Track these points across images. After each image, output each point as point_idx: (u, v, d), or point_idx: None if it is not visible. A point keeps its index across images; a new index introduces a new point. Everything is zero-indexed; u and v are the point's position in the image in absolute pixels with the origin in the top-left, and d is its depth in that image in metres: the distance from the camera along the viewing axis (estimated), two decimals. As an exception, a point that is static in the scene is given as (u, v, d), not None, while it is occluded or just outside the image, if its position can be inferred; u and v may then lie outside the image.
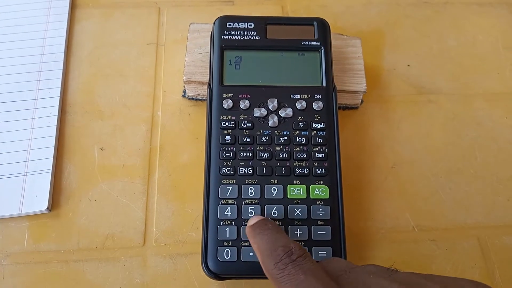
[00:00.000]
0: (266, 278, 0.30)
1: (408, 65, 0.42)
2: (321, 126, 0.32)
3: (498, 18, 0.45)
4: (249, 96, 0.33)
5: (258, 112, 0.33)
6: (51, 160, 0.35)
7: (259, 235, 0.26)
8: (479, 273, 0.33)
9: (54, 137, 0.36)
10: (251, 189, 0.31)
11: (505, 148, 0.38)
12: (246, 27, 0.35)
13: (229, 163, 0.31)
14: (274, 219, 0.30)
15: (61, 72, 0.39)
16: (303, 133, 0.32)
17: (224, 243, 0.30)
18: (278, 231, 0.26)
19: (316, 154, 0.32)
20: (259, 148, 0.32)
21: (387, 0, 0.46)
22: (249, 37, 0.35)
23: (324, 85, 0.34)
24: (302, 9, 0.45)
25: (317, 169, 0.31)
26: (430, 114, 0.40)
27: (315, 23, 0.35)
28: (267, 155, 0.32)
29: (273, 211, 0.30)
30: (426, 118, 0.39)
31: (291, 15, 0.45)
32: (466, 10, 0.46)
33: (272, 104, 0.33)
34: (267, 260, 0.25)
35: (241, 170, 0.31)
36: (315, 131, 0.32)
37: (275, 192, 0.31)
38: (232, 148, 0.32)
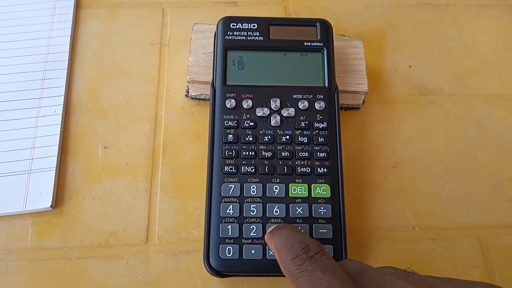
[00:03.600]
0: (268, 276, 0.31)
1: (410, 66, 0.42)
2: (323, 125, 0.33)
3: (499, 20, 0.46)
4: (252, 95, 0.33)
5: (260, 112, 0.33)
6: (55, 158, 0.36)
7: (276, 234, 0.26)
8: (479, 272, 0.33)
9: (59, 135, 0.37)
10: (253, 187, 0.31)
11: (506, 149, 0.38)
12: (249, 27, 0.35)
13: (232, 161, 0.32)
14: (276, 217, 0.30)
15: (65, 71, 0.40)
16: (305, 132, 0.33)
17: (226, 240, 0.30)
18: (294, 229, 0.26)
19: (318, 153, 0.32)
20: (261, 147, 0.32)
21: (389, 2, 0.47)
22: (252, 37, 0.35)
23: (326, 85, 0.34)
24: (305, 10, 0.45)
25: (318, 168, 0.32)
26: (431, 115, 0.40)
27: (317, 24, 0.36)
28: (269, 154, 0.32)
29: (275, 209, 0.30)
30: (427, 119, 0.40)
31: (293, 16, 0.45)
32: (467, 11, 0.46)
33: (275, 103, 0.33)
34: (284, 255, 0.24)
35: (244, 169, 0.31)
36: (317, 131, 0.33)
37: (277, 190, 0.31)
38: (234, 147, 0.32)
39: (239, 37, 0.35)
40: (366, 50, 0.39)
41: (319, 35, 0.36)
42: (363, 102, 0.39)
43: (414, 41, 0.44)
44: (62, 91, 0.39)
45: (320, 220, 0.30)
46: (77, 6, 0.44)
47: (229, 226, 0.30)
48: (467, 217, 0.35)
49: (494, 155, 0.38)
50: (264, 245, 0.30)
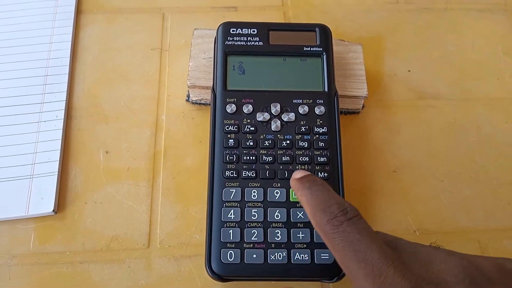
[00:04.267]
0: (269, 280, 0.31)
1: (409, 71, 0.43)
2: (323, 130, 0.33)
3: (498, 24, 0.46)
4: (252, 100, 0.34)
5: (261, 117, 0.33)
6: (57, 163, 0.36)
7: (309, 189, 0.26)
8: (479, 275, 0.33)
9: (60, 140, 0.37)
10: (254, 192, 0.31)
11: (505, 153, 0.39)
12: (249, 33, 0.36)
13: (233, 166, 0.32)
14: (276, 222, 0.30)
15: (66, 76, 0.40)
16: (305, 137, 0.33)
17: (228, 245, 0.30)
18: (329, 188, 0.26)
19: (318, 158, 0.32)
20: (262, 151, 0.32)
21: (388, 6, 0.47)
22: (252, 42, 0.35)
23: (326, 90, 0.34)
24: (304, 15, 0.46)
25: (319, 173, 0.32)
26: (430, 119, 0.40)
27: (317, 29, 0.36)
28: (270, 158, 0.32)
29: (276, 214, 0.31)
30: (426, 123, 0.40)
31: (292, 21, 0.45)
32: (466, 16, 0.47)
33: (275, 108, 0.33)
34: (320, 215, 0.24)
35: (245, 173, 0.32)
36: (317, 135, 0.33)
37: (278, 195, 0.31)
38: (235, 151, 0.32)
39: (239, 42, 0.35)
40: (365, 55, 0.39)
41: (318, 40, 0.36)
42: (363, 106, 0.39)
43: (413, 45, 0.44)
44: (63, 96, 0.39)
45: None
46: (78, 12, 0.45)
47: (231, 231, 0.30)
48: (467, 221, 0.36)
49: (494, 159, 0.38)
50: (266, 250, 0.30)
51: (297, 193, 0.27)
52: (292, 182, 0.28)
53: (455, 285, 0.21)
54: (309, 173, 0.28)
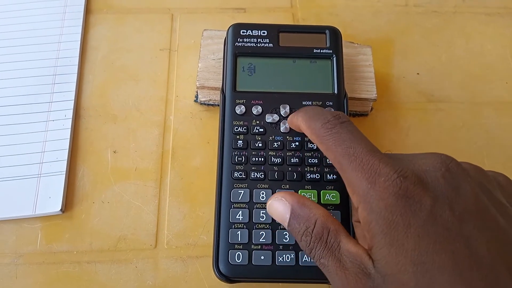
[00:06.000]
0: (277, 282, 0.31)
1: (418, 73, 0.42)
2: (332, 132, 0.33)
3: (507, 28, 0.46)
4: (261, 102, 0.34)
5: (270, 118, 0.33)
6: (65, 162, 0.36)
7: (303, 110, 0.28)
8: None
9: (68, 139, 0.37)
10: (262, 193, 0.31)
11: (514, 157, 0.39)
12: (259, 34, 0.35)
13: (241, 167, 0.32)
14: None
15: (75, 76, 0.40)
16: (314, 139, 0.33)
17: (236, 246, 0.30)
18: (322, 107, 0.29)
19: (327, 160, 0.32)
20: (271, 153, 0.32)
21: (396, 9, 0.47)
22: (262, 44, 0.35)
23: (336, 92, 0.34)
24: (313, 17, 0.46)
25: (328, 175, 0.32)
26: (439, 122, 0.40)
27: (327, 31, 0.36)
28: (278, 160, 0.32)
29: (284, 215, 0.31)
30: (435, 126, 0.40)
31: (301, 23, 0.45)
32: (475, 19, 0.47)
33: (284, 110, 0.33)
34: (313, 122, 0.26)
35: (253, 175, 0.31)
36: (326, 137, 0.33)
37: (287, 197, 0.31)
38: (244, 152, 0.32)
39: (249, 44, 0.35)
40: (374, 57, 0.39)
41: (328, 42, 0.36)
42: (372, 109, 0.39)
43: (422, 48, 0.44)
44: (72, 95, 0.39)
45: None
46: (87, 11, 0.45)
47: (239, 232, 0.30)
48: (475, 225, 0.35)
49: (502, 162, 0.38)
50: (274, 251, 0.30)
51: (293, 120, 0.30)
52: (288, 120, 0.31)
53: (431, 172, 0.23)
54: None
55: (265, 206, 0.31)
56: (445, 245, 0.21)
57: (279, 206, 0.26)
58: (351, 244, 0.24)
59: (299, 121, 0.28)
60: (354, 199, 0.24)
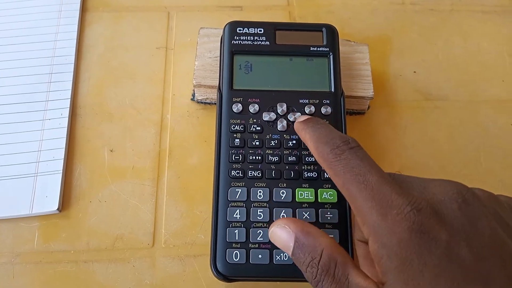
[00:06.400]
0: (275, 281, 0.31)
1: (414, 72, 0.42)
2: (329, 130, 0.33)
3: (503, 26, 0.46)
4: (258, 100, 0.33)
5: (267, 116, 0.33)
6: (62, 161, 0.36)
7: (312, 127, 0.27)
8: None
9: (65, 138, 0.37)
10: (260, 192, 0.31)
11: (510, 155, 0.39)
12: (256, 32, 0.35)
13: (239, 166, 0.32)
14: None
15: (71, 74, 0.40)
16: (311, 137, 0.33)
17: (233, 245, 0.30)
18: (331, 126, 0.28)
19: (325, 158, 0.32)
20: (268, 151, 0.32)
21: (393, 7, 0.47)
22: (259, 42, 0.35)
23: (333, 90, 0.34)
24: (310, 15, 0.46)
25: (325, 173, 0.32)
26: (436, 120, 0.40)
27: (324, 29, 0.36)
28: (276, 158, 0.32)
29: (282, 214, 0.30)
30: (432, 124, 0.40)
31: (298, 21, 0.45)
32: (472, 17, 0.47)
33: (281, 108, 0.33)
34: (322, 146, 0.26)
35: (250, 173, 0.31)
36: (323, 136, 0.33)
37: (284, 195, 0.31)
38: (241, 151, 0.32)
39: (245, 42, 0.35)
40: (371, 55, 0.39)
41: (325, 40, 0.36)
42: (368, 107, 0.39)
43: (419, 46, 0.44)
44: (68, 94, 0.39)
45: (326, 225, 0.30)
46: (83, 9, 0.44)
47: (236, 231, 0.30)
48: (472, 222, 0.35)
49: (499, 161, 0.38)
50: (271, 250, 0.30)
51: (301, 132, 0.29)
52: (296, 125, 0.30)
53: (448, 204, 0.22)
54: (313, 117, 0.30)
55: (263, 204, 0.31)
56: (464, 285, 0.20)
57: (282, 234, 0.25)
58: (361, 278, 0.22)
59: (306, 139, 0.28)
60: (364, 230, 0.23)
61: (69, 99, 0.39)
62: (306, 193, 0.31)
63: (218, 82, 0.35)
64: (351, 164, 0.24)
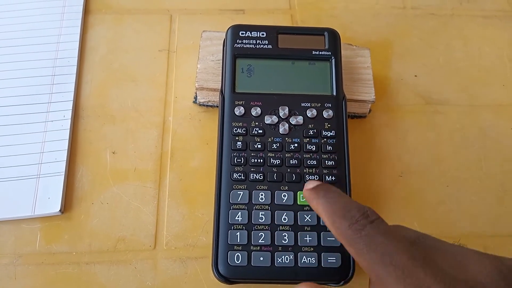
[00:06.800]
0: (276, 283, 0.31)
1: (416, 76, 0.43)
2: (331, 134, 0.33)
3: (504, 31, 0.46)
4: (260, 103, 0.34)
5: (269, 119, 0.33)
6: (64, 163, 0.36)
7: (325, 197, 0.25)
8: (484, 281, 0.33)
9: (67, 140, 0.37)
10: (261, 194, 0.31)
11: (511, 159, 0.39)
12: (258, 36, 0.36)
13: (240, 168, 0.32)
14: (284, 225, 0.31)
15: (74, 76, 0.40)
16: (313, 140, 0.33)
17: (235, 247, 0.30)
18: (345, 194, 0.26)
19: (326, 161, 0.32)
20: (270, 154, 0.32)
21: (395, 11, 0.47)
22: (261, 46, 0.35)
23: (334, 94, 0.34)
24: (311, 19, 0.46)
25: (327, 176, 0.32)
26: (437, 124, 0.40)
27: (326, 33, 0.36)
28: (277, 161, 0.32)
29: (283, 217, 0.31)
30: (433, 128, 0.40)
31: (300, 24, 0.45)
32: (472, 22, 0.47)
33: (283, 111, 0.33)
34: (339, 221, 0.23)
35: (252, 176, 0.32)
36: (325, 139, 0.33)
37: (286, 198, 0.31)
38: (243, 154, 0.32)
39: (248, 45, 0.35)
40: (372, 59, 0.39)
41: (327, 44, 0.36)
42: (370, 110, 0.39)
43: (420, 50, 0.44)
44: (70, 96, 0.39)
45: (328, 228, 0.31)
46: (86, 12, 0.45)
47: (238, 233, 0.30)
48: (473, 226, 0.36)
49: (500, 165, 0.38)
50: (273, 252, 0.30)
51: (312, 202, 0.26)
52: (305, 193, 0.28)
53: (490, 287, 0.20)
54: (321, 181, 0.28)
55: (264, 207, 0.31)
56: None
57: None
58: None
59: (319, 211, 0.26)
60: None
61: (72, 101, 0.39)
62: (308, 196, 0.31)
63: (220, 85, 0.35)
64: (375, 242, 0.22)
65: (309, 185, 0.28)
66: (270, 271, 0.30)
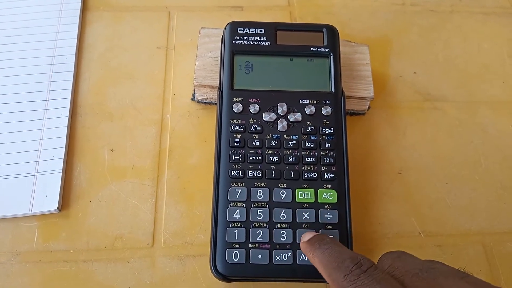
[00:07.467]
0: (274, 281, 0.31)
1: (415, 72, 0.43)
2: (329, 131, 0.33)
3: (503, 27, 0.46)
4: (258, 100, 0.34)
5: (267, 116, 0.33)
6: (62, 161, 0.36)
7: (320, 249, 0.26)
8: (484, 279, 0.33)
9: (65, 138, 0.37)
10: (260, 192, 0.31)
11: (510, 156, 0.39)
12: (256, 32, 0.35)
13: (239, 166, 0.32)
14: (282, 222, 0.30)
15: (72, 73, 0.40)
16: (311, 137, 0.33)
17: (233, 245, 0.30)
18: (339, 244, 0.26)
19: (325, 158, 0.32)
20: (268, 151, 0.32)
21: (394, 8, 0.47)
22: (260, 42, 0.35)
23: (333, 90, 0.34)
24: (310, 15, 0.46)
25: (325, 174, 0.32)
26: (435, 121, 0.40)
27: (324, 29, 0.36)
28: (276, 158, 0.32)
29: (282, 214, 0.31)
30: (431, 125, 0.40)
31: (299, 21, 0.45)
32: (471, 18, 0.47)
33: (282, 108, 0.33)
34: (335, 272, 0.24)
35: (250, 173, 0.31)
36: (323, 136, 0.33)
37: (284, 195, 0.31)
38: (241, 151, 0.32)
39: (246, 42, 0.35)
40: (371, 56, 0.39)
41: (325, 41, 0.36)
42: (369, 107, 0.39)
43: (419, 47, 0.44)
44: (68, 93, 0.39)
45: (326, 226, 0.31)
46: (84, 9, 0.44)
47: (236, 231, 0.30)
48: (472, 223, 0.35)
49: (499, 162, 0.38)
50: (271, 250, 0.30)
51: (309, 255, 0.27)
52: (302, 246, 0.28)
53: None
54: (316, 233, 0.29)
55: (262, 204, 0.31)
56: None
57: None
58: None
59: (316, 263, 0.26)
60: None
61: (70, 99, 0.39)
62: (306, 193, 0.31)
63: (218, 82, 0.35)
64: None
65: (305, 237, 0.28)
66: (268, 268, 0.29)
